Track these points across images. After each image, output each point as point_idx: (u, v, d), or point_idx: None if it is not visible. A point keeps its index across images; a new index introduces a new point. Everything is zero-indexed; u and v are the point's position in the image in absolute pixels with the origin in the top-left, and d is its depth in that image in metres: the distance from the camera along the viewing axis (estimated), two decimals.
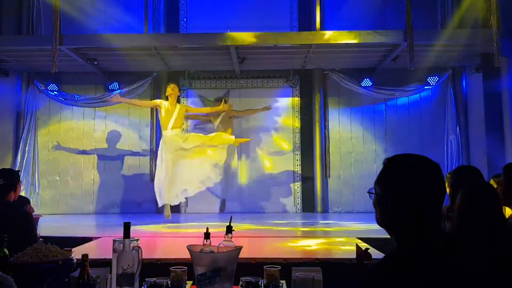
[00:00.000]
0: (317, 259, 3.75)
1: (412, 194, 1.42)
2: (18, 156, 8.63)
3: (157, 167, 7.16)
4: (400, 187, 1.43)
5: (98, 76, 8.90)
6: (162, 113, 6.99)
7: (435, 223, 1.43)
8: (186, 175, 6.97)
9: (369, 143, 8.98)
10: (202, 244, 2.10)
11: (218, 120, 7.95)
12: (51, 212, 8.36)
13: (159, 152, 7.10)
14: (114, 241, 2.10)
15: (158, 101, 7.29)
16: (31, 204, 4.66)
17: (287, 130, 9.03)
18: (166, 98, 7.12)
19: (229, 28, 8.49)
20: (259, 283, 2.16)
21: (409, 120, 8.92)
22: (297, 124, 9.04)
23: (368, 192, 1.54)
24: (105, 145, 9.04)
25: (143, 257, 2.10)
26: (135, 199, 8.89)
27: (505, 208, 2.98)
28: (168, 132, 6.95)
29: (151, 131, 9.06)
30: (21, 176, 3.90)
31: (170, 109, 6.96)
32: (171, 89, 7.02)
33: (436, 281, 1.30)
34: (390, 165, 1.48)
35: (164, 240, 5.64)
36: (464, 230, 2.19)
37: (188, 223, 7.32)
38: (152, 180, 8.89)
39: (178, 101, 7.45)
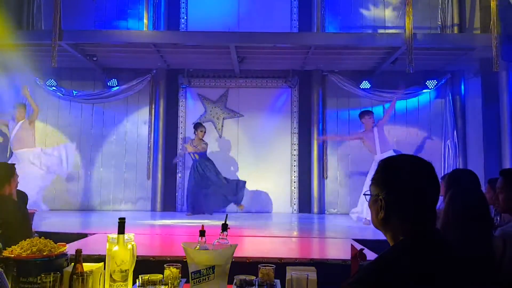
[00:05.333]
0: (312, 259, 3.75)
1: (406, 194, 1.42)
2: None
3: None
4: (394, 188, 1.43)
5: (96, 72, 8.88)
6: None
7: (430, 223, 1.43)
8: None
9: None
10: (197, 241, 2.10)
11: None
12: (47, 208, 8.33)
13: None
14: (109, 237, 2.09)
15: None
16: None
17: (285, 130, 9.03)
18: None
19: (229, 27, 8.50)
20: (254, 281, 2.16)
21: (407, 122, 8.93)
22: (295, 124, 9.03)
23: (363, 194, 1.54)
24: (103, 142, 9.03)
25: (137, 254, 2.10)
26: (131, 196, 8.88)
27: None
28: None
29: (149, 128, 9.05)
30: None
31: None
32: None
33: (429, 281, 1.30)
34: (384, 166, 1.49)
35: (159, 237, 5.63)
36: (444, 231, 2.20)
37: (183, 220, 7.32)
38: (149, 177, 8.92)
39: None
